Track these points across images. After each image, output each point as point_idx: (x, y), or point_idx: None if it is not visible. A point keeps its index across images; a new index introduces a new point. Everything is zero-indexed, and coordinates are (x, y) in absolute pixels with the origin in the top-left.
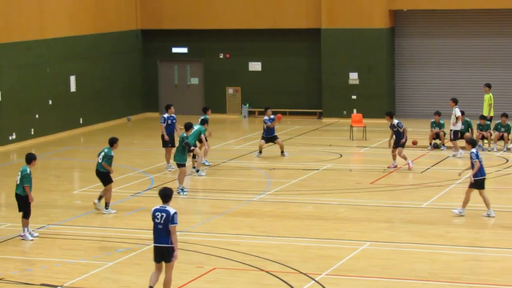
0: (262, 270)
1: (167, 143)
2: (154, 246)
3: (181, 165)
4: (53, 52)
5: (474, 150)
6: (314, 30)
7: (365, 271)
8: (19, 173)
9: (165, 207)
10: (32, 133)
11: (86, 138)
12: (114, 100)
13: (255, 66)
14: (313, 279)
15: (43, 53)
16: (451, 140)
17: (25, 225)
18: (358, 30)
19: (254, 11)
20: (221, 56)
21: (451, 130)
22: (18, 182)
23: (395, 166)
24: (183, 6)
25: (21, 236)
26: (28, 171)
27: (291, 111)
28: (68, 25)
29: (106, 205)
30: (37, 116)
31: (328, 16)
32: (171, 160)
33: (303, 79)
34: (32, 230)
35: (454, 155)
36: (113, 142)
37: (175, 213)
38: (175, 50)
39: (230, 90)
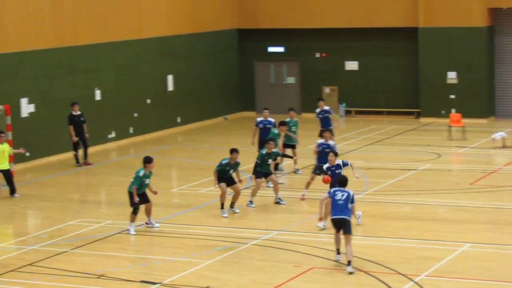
0: (361, 270)
1: (258, 147)
2: (333, 218)
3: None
4: (150, 52)
5: None
6: (411, 29)
7: (465, 273)
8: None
9: (344, 189)
10: (131, 131)
11: (184, 137)
12: (211, 99)
13: (351, 65)
14: (412, 280)
15: (140, 53)
16: None
17: (131, 220)
18: (457, 29)
19: (351, 10)
20: (317, 55)
21: None
22: None
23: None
24: (279, 5)
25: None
26: (141, 174)
27: (388, 111)
28: (165, 25)
29: (232, 204)
30: (135, 115)
31: (425, 15)
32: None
33: (400, 78)
34: (155, 221)
35: None
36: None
37: (353, 194)
38: (271, 49)
39: (327, 89)
